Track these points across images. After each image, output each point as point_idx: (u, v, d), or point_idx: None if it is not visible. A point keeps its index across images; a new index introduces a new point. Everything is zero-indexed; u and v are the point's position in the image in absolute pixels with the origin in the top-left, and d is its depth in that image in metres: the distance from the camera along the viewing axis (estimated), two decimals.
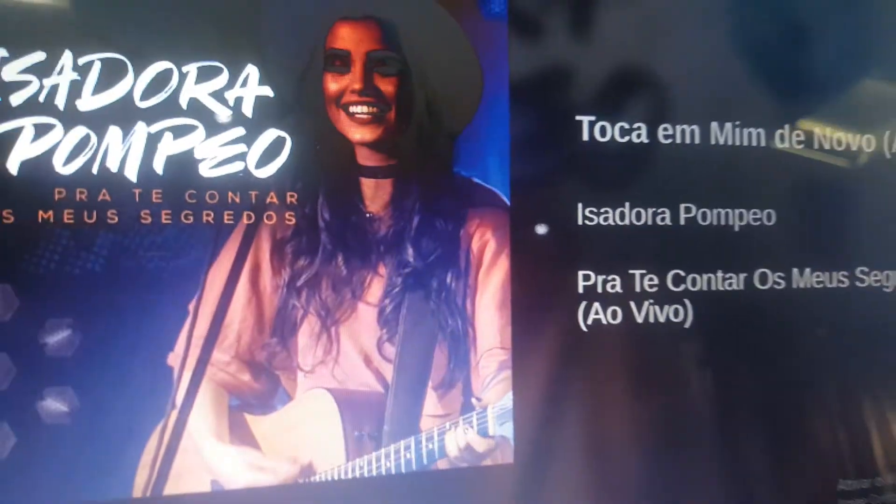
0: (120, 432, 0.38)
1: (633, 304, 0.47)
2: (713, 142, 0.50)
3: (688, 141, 0.49)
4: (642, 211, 0.48)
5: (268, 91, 0.41)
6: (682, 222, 0.49)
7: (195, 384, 0.39)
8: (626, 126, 0.48)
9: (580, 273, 0.46)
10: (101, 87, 0.39)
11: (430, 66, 0.43)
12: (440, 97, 0.44)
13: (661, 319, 0.48)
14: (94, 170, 0.39)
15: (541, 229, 0.46)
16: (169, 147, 0.40)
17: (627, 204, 0.48)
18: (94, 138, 0.39)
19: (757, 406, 0.50)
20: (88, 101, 0.39)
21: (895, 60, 0.54)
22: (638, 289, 0.47)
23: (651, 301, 0.47)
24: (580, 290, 0.46)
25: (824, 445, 0.51)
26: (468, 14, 0.45)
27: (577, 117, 0.47)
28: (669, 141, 0.49)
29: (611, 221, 0.47)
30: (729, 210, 0.50)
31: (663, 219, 0.48)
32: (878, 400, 0.53)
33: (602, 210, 0.47)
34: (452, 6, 0.44)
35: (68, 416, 0.38)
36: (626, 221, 0.47)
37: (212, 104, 0.41)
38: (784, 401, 0.51)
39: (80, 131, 0.39)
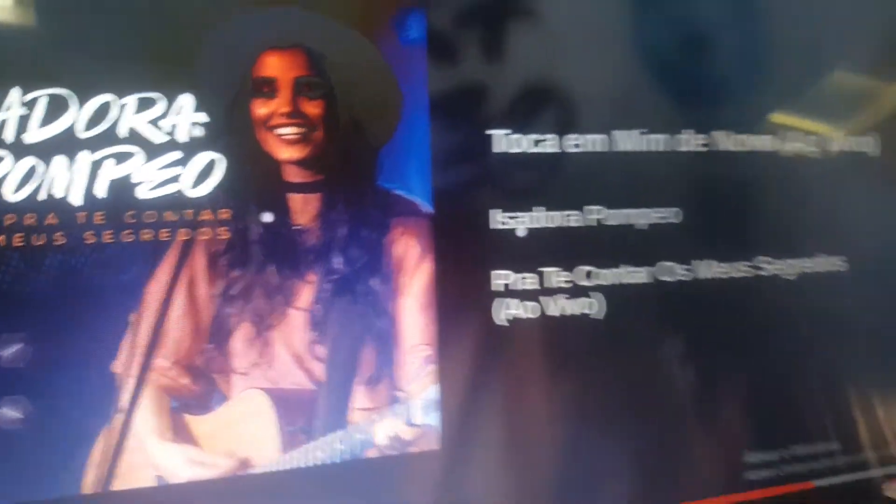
0: (70, 435, 0.42)
1: (547, 300, 0.51)
2: (620, 148, 0.54)
3: (596, 149, 0.53)
4: (554, 214, 0.52)
5: (202, 117, 0.45)
6: (593, 223, 0.53)
7: (138, 389, 0.43)
8: (538, 137, 0.52)
9: (497, 272, 0.50)
10: (47, 120, 0.43)
11: (352, 89, 0.47)
12: (363, 117, 0.48)
13: (574, 312, 0.52)
14: (42, 196, 0.42)
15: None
16: (110, 173, 0.43)
17: (541, 208, 0.52)
18: (41, 167, 0.42)
19: (665, 388, 0.54)
20: (35, 134, 0.43)
21: (788, 66, 0.59)
22: (551, 285, 0.51)
23: (564, 296, 0.52)
24: (498, 288, 0.50)
25: (731, 423, 0.56)
26: (388, 41, 0.49)
27: (492, 130, 0.51)
28: (579, 150, 0.53)
29: (526, 225, 0.51)
30: (637, 210, 0.54)
31: (574, 220, 0.52)
32: (781, 380, 0.57)
33: (517, 214, 0.51)
34: (373, 35, 0.48)
35: (22, 422, 0.41)
36: (540, 224, 0.51)
37: (149, 131, 0.44)
38: (691, 382, 0.55)
39: (28, 161, 0.42)
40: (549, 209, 0.52)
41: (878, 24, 0.62)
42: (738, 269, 0.56)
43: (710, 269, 0.56)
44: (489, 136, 0.51)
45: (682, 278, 0.55)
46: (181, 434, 0.44)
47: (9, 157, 0.42)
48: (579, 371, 0.52)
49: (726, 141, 0.57)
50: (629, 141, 0.54)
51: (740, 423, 0.56)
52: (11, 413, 0.41)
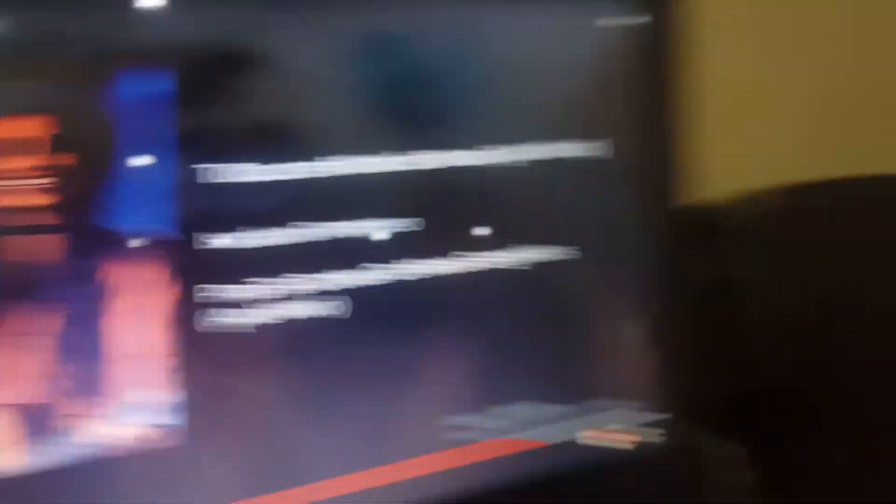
0: None
1: (284, 306, 0.58)
2: (354, 172, 0.61)
3: (335, 173, 0.60)
4: (287, 231, 0.58)
5: None
6: (334, 238, 0.60)
7: None
8: (270, 166, 0.58)
9: (236, 286, 0.56)
10: None
11: (87, 142, 0.54)
12: (98, 163, 0.54)
13: (316, 314, 0.59)
14: None
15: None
16: None
17: (283, 227, 0.58)
18: None
19: (400, 371, 0.62)
20: None
21: (518, 84, 0.67)
22: (288, 293, 0.58)
23: (299, 301, 0.58)
24: (236, 299, 0.57)
25: (448, 389, 0.64)
26: (132, 97, 0.56)
27: (233, 164, 0.58)
28: (314, 175, 0.60)
29: (266, 243, 0.58)
30: (374, 222, 0.62)
31: (311, 235, 0.59)
32: (503, 348, 0.66)
33: (260, 234, 0.58)
34: (118, 90, 0.55)
35: None
36: (277, 241, 0.58)
37: None
38: (427, 362, 0.63)
39: None
40: (286, 227, 0.59)
41: (598, 35, 0.70)
42: (476, 264, 0.64)
43: (449, 266, 0.63)
44: (231, 167, 0.57)
45: (423, 276, 0.62)
46: None
47: None
48: (310, 368, 0.59)
49: (461, 157, 0.64)
50: (366, 163, 0.62)
51: (455, 389, 0.64)
52: None
